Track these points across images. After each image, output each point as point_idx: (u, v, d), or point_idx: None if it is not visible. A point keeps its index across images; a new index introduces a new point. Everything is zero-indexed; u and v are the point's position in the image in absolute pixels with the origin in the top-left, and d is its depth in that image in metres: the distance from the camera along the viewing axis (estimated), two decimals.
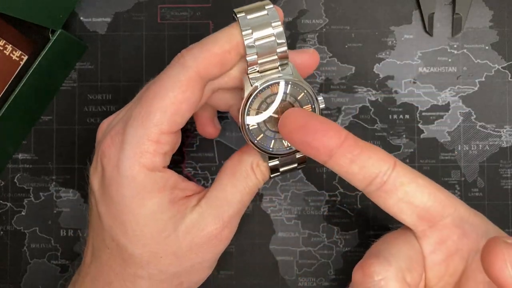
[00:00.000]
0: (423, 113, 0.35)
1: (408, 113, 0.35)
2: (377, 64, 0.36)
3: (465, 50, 0.35)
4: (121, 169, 0.26)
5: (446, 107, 0.35)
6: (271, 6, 0.27)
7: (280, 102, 0.27)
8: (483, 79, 0.35)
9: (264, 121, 0.27)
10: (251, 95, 0.26)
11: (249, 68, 0.26)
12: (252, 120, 0.27)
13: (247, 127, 0.27)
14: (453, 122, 0.35)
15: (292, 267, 0.35)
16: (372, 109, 0.35)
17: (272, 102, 0.27)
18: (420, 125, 0.35)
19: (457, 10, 0.35)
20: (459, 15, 0.35)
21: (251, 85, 0.27)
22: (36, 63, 0.33)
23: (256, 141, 0.27)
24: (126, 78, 0.36)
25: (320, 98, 0.27)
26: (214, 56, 0.26)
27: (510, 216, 0.35)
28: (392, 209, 0.24)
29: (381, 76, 0.36)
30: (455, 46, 0.35)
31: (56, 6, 0.33)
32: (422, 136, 0.35)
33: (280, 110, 0.27)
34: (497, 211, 0.35)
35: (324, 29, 0.36)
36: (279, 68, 0.27)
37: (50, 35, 0.33)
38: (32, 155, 0.36)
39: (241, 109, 0.27)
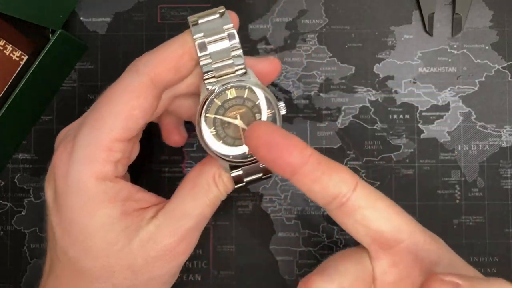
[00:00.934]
0: (423, 113, 0.35)
1: (408, 113, 0.35)
2: (377, 64, 0.36)
3: (465, 50, 0.35)
4: (70, 178, 0.25)
5: (446, 107, 0.35)
6: (223, 10, 0.27)
7: (238, 107, 0.26)
8: (483, 79, 0.35)
9: (223, 127, 0.26)
10: (206, 99, 0.26)
11: (204, 74, 0.26)
12: (209, 127, 0.26)
13: (204, 134, 0.26)
14: (453, 122, 0.35)
15: (292, 267, 0.35)
16: (372, 109, 0.35)
17: (230, 107, 0.26)
18: (420, 125, 0.35)
19: (457, 10, 0.35)
20: (459, 15, 0.35)
21: (207, 90, 0.26)
22: (36, 63, 0.33)
23: (214, 148, 0.26)
24: None
25: (281, 103, 0.27)
26: (166, 62, 0.26)
27: (510, 216, 0.35)
28: (349, 228, 0.24)
29: (381, 76, 0.36)
30: (455, 46, 0.35)
31: (56, 6, 0.33)
32: (422, 136, 0.35)
33: (239, 116, 0.26)
34: (497, 211, 0.35)
35: (324, 29, 0.36)
36: (236, 73, 0.26)
37: (50, 35, 0.33)
38: (32, 155, 0.36)
39: (197, 115, 0.26)
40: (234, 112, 0.26)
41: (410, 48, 0.36)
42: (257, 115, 0.26)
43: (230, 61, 0.26)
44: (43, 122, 0.36)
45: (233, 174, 0.27)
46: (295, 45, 0.36)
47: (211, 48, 0.26)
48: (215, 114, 0.26)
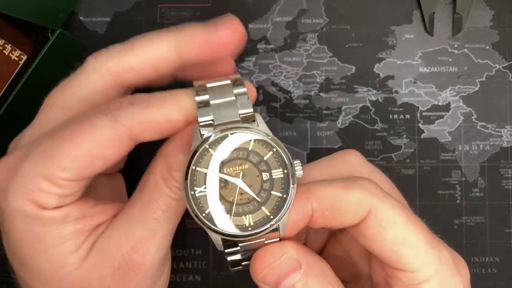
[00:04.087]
0: (424, 113, 0.35)
1: (409, 113, 0.35)
2: (377, 64, 0.35)
3: (465, 50, 0.35)
4: (10, 200, 0.23)
5: (446, 107, 0.35)
6: (243, 89, 0.22)
7: (240, 162, 0.21)
8: (484, 79, 0.35)
9: (218, 187, 0.21)
10: (198, 148, 0.21)
11: (200, 117, 0.22)
12: (198, 185, 0.21)
13: (192, 193, 0.21)
14: (454, 122, 0.35)
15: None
16: (373, 109, 0.35)
17: (230, 161, 0.21)
18: (420, 125, 0.35)
19: (457, 9, 0.35)
20: (459, 14, 0.35)
21: (201, 136, 0.21)
22: (36, 62, 0.32)
23: (204, 215, 0.21)
24: None
25: (297, 162, 0.22)
26: (155, 123, 0.23)
27: (510, 216, 0.35)
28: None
29: (381, 76, 0.35)
30: (455, 46, 0.35)
31: (56, 6, 0.33)
32: (422, 136, 0.35)
33: (242, 173, 0.21)
34: (498, 211, 0.35)
35: (324, 29, 0.36)
36: (240, 118, 0.22)
37: (50, 35, 0.33)
38: None
39: (184, 168, 0.21)
40: (235, 168, 0.21)
41: (410, 48, 0.35)
42: (264, 174, 0.21)
43: (232, 98, 0.22)
44: None
45: (230, 258, 0.22)
46: (295, 45, 0.36)
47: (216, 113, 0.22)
48: (209, 168, 0.21)
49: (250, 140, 0.21)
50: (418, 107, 0.35)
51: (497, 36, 0.35)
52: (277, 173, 0.21)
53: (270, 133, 0.22)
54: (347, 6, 0.36)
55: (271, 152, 0.21)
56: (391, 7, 0.36)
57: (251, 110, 0.22)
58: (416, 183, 0.35)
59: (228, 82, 0.23)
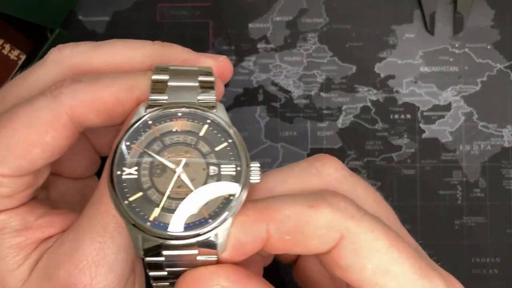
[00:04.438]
0: (425, 113, 0.35)
1: (410, 113, 0.35)
2: (378, 64, 0.35)
3: (466, 50, 0.35)
4: None
5: (447, 107, 0.35)
6: (211, 78, 0.20)
7: (186, 148, 0.18)
8: (485, 78, 0.35)
9: (151, 172, 0.17)
10: (136, 122, 0.18)
11: (152, 90, 0.19)
12: (131, 164, 0.17)
13: (119, 172, 0.17)
14: (455, 122, 0.35)
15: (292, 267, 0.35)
16: (373, 109, 0.35)
17: (172, 145, 0.18)
18: (421, 125, 0.35)
19: (458, 9, 0.35)
20: (460, 14, 0.35)
21: (145, 111, 0.18)
22: (35, 62, 0.32)
23: (127, 202, 0.17)
24: None
25: (255, 164, 0.18)
26: (101, 103, 0.20)
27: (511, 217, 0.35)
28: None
29: (382, 75, 0.35)
30: (456, 45, 0.35)
31: (55, 5, 0.33)
32: (423, 136, 0.35)
33: (185, 162, 0.17)
34: (499, 211, 0.35)
35: (324, 28, 0.36)
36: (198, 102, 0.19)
37: (49, 34, 0.33)
38: None
39: (115, 141, 0.18)
40: (177, 154, 0.17)
41: (411, 47, 0.35)
42: (211, 168, 0.18)
43: (196, 83, 0.19)
44: None
45: (150, 267, 0.17)
46: (295, 44, 0.36)
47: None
48: (145, 148, 0.17)
49: (204, 125, 0.18)
50: (419, 107, 0.35)
51: (498, 36, 0.35)
52: (228, 169, 0.18)
53: (230, 123, 0.18)
54: (348, 5, 0.36)
55: (225, 143, 0.18)
56: (392, 7, 0.36)
57: (214, 98, 0.19)
58: (416, 183, 0.35)
59: (196, 68, 0.20)
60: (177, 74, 0.19)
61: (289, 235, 0.18)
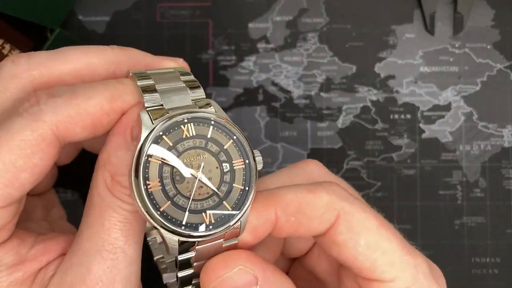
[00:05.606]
0: (425, 113, 0.35)
1: (410, 113, 0.35)
2: (378, 64, 0.35)
3: (466, 50, 0.35)
4: None
5: (447, 107, 0.35)
6: (191, 77, 0.21)
7: (199, 151, 0.19)
8: (485, 78, 0.35)
9: (173, 180, 0.18)
10: (149, 134, 0.18)
11: (146, 103, 0.19)
12: (153, 177, 0.18)
13: (145, 187, 0.18)
14: (455, 122, 0.35)
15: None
16: (373, 109, 0.35)
17: (186, 150, 0.18)
18: (421, 125, 0.35)
19: (458, 9, 0.35)
20: (460, 14, 0.35)
21: (152, 122, 0.18)
22: None
23: (159, 213, 0.18)
24: None
25: (257, 153, 0.20)
26: (86, 116, 0.19)
27: (511, 217, 0.35)
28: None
29: (382, 75, 0.35)
30: (456, 45, 0.35)
31: (55, 5, 0.33)
32: (423, 136, 0.35)
33: (203, 164, 0.19)
34: (499, 211, 0.35)
35: (325, 28, 0.36)
36: (193, 102, 0.20)
37: (49, 34, 0.33)
38: None
39: (133, 159, 0.18)
40: (192, 159, 0.18)
41: (411, 47, 0.35)
42: (224, 165, 0.19)
43: (182, 84, 0.20)
44: None
45: (180, 258, 0.19)
46: (295, 44, 0.35)
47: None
48: (163, 159, 0.18)
49: (209, 127, 0.19)
50: (418, 107, 0.35)
51: (498, 36, 0.35)
52: (238, 164, 0.19)
53: (229, 119, 0.20)
54: (348, 5, 0.36)
55: (231, 141, 0.19)
56: (392, 7, 0.35)
57: (203, 95, 0.20)
58: (417, 183, 0.35)
59: (172, 70, 0.21)
60: (159, 77, 0.20)
61: (294, 216, 0.20)
